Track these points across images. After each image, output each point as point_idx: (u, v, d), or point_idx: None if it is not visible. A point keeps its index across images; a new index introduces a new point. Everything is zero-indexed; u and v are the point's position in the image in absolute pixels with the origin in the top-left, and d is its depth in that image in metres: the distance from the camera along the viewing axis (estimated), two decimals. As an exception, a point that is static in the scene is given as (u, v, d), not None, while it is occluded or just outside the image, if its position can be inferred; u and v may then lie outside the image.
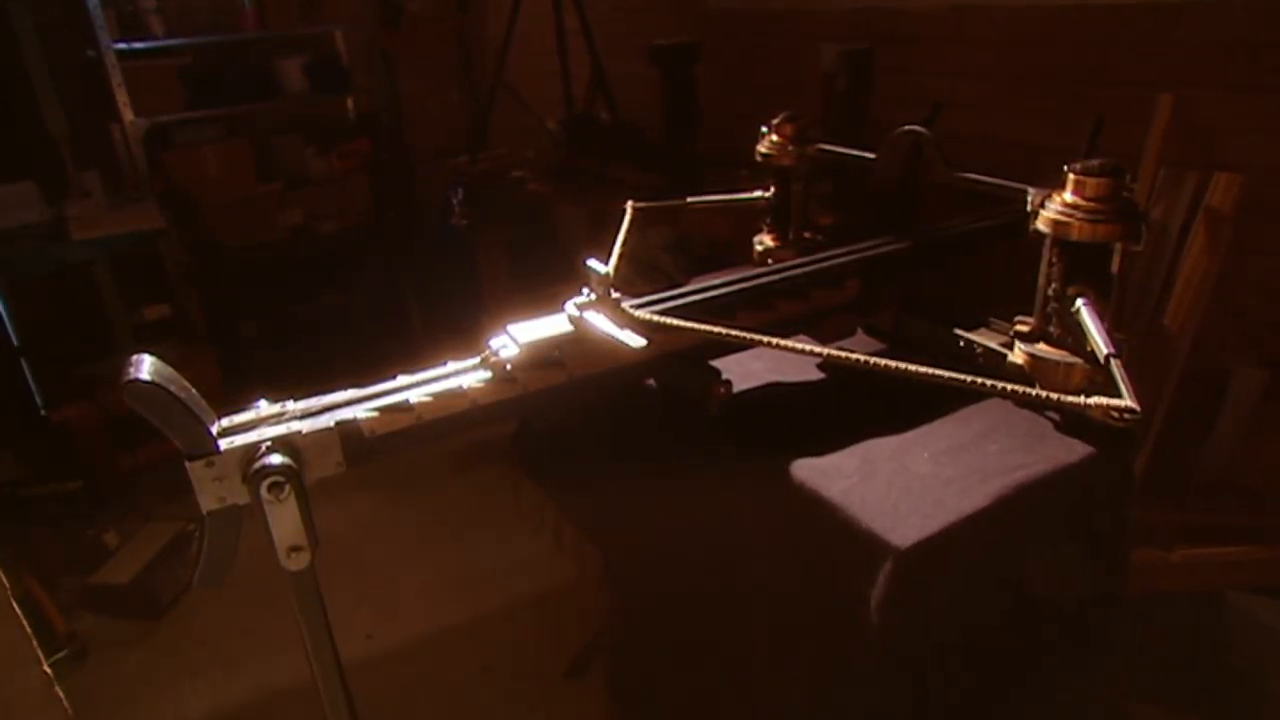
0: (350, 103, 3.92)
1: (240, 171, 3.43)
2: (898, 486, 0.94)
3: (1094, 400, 0.78)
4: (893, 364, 0.90)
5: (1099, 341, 0.89)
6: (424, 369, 1.05)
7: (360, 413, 0.96)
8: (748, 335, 0.98)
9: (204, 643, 2.27)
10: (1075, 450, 0.99)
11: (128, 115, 2.90)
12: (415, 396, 0.98)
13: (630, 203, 1.49)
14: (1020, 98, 2.10)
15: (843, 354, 0.93)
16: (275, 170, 3.67)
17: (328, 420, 0.94)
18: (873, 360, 0.90)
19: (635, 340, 0.97)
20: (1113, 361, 0.85)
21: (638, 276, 2.84)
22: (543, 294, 1.09)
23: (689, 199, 1.63)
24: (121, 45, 2.86)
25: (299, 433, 0.91)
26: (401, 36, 3.81)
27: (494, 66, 3.47)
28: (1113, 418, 0.83)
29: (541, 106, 3.57)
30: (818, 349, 0.93)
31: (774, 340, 0.96)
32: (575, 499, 1.65)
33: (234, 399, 0.96)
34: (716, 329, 0.99)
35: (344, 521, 2.77)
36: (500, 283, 3.74)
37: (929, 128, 1.31)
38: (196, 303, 3.32)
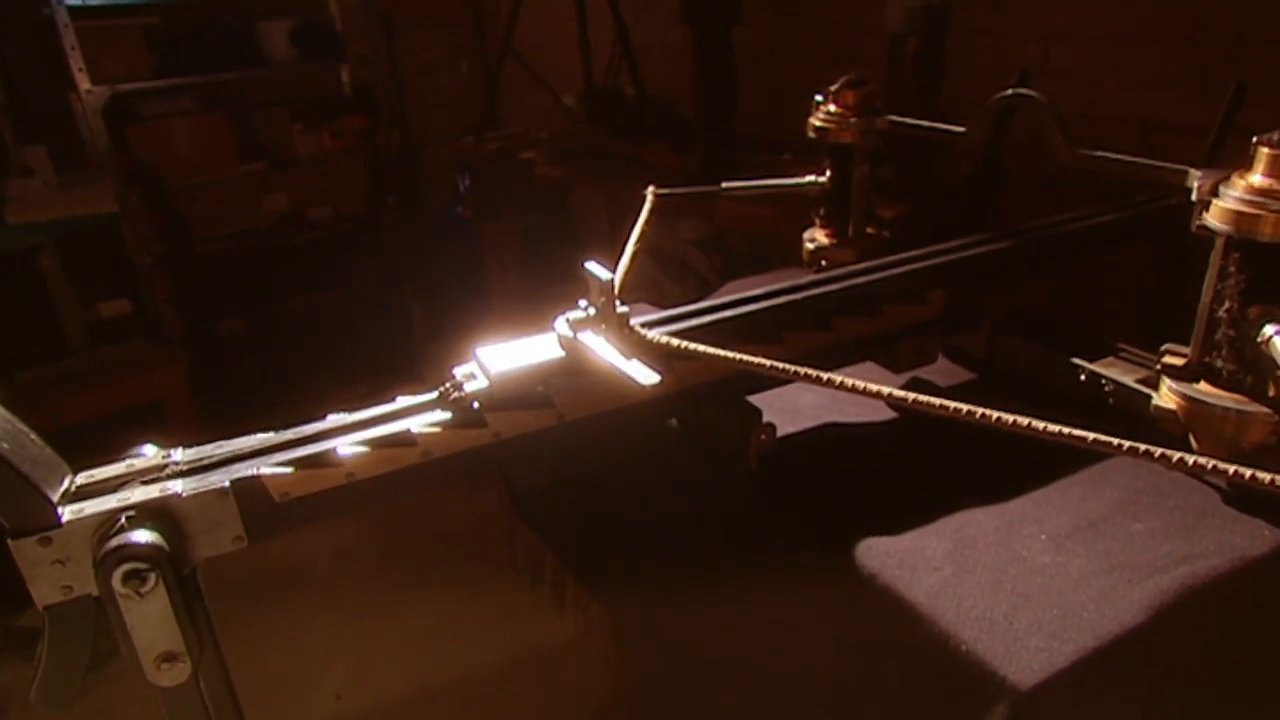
0: (344, 74, 3.77)
1: (216, 149, 3.31)
2: (1009, 587, 0.73)
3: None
4: (1004, 417, 0.69)
5: (1312, 390, 0.67)
6: (360, 407, 0.85)
7: (269, 467, 0.77)
8: (797, 370, 0.77)
9: (146, 701, 2.10)
10: (1260, 536, 0.77)
11: (83, 83, 2.76)
12: (347, 446, 0.80)
13: (651, 188, 1.33)
14: (1133, 62, 1.89)
15: (926, 399, 0.71)
16: (257, 149, 3.54)
17: (220, 478, 0.75)
18: (973, 410, 0.69)
19: (646, 376, 0.77)
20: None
21: (665, 276, 2.71)
22: (558, 293, 0.91)
23: (724, 184, 1.47)
24: (76, 1, 2.72)
25: (177, 495, 0.72)
26: (404, -1, 3.66)
27: (503, 33, 3.31)
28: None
29: (558, 79, 3.43)
30: (895, 393, 0.72)
31: (830, 376, 0.75)
32: (579, 556, 1.48)
33: (207, 411, 0.79)
34: (755, 359, 0.78)
35: (325, 550, 2.62)
36: (511, 280, 3.61)
37: (1011, 106, 1.11)
38: (166, 299, 3.19)
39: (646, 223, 1.25)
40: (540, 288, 3.44)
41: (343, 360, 3.47)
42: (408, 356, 3.61)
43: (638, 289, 2.77)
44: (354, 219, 3.77)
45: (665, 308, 1.00)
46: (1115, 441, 0.65)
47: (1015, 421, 0.69)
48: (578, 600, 1.68)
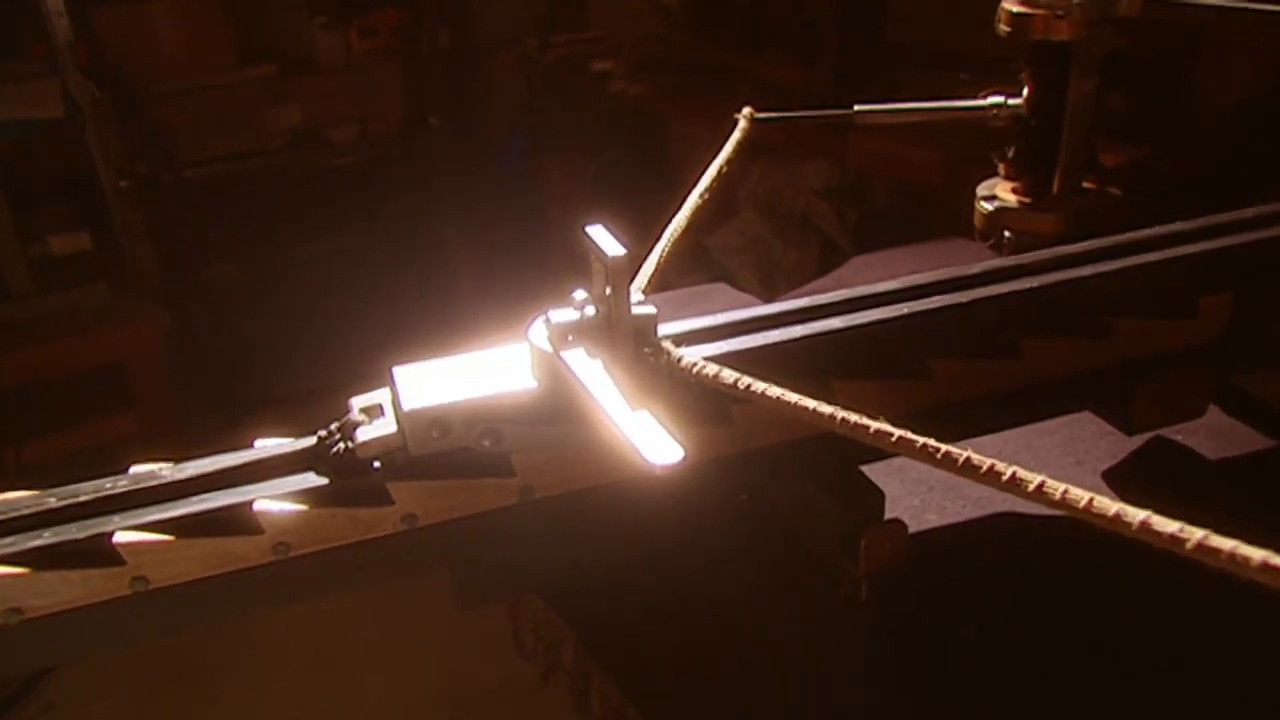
0: (381, -48, 3.81)
1: (210, 45, 3.29)
2: None
3: None
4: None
5: None
6: (192, 457, 0.63)
7: (-11, 566, 0.55)
8: (940, 449, 0.49)
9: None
10: None
11: (38, -47, 2.77)
12: (135, 531, 0.58)
13: (746, 110, 1.18)
14: None
15: (1173, 532, 0.43)
16: (264, 48, 3.53)
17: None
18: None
19: (661, 451, 0.51)
20: None
21: (777, 238, 2.51)
22: (641, 255, 0.77)
23: (857, 108, 1.25)
24: None
25: None
26: None
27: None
28: None
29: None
30: (1122, 511, 0.43)
31: (997, 467, 0.47)
32: (611, 640, 1.34)
33: (187, 380, 0.61)
34: (865, 421, 0.52)
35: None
36: (576, 228, 3.52)
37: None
38: (139, 234, 3.18)
39: (730, 160, 1.10)
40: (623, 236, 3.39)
41: (364, 322, 3.40)
42: (450, 321, 3.57)
43: (740, 252, 2.59)
44: (386, 142, 3.78)
45: (769, 284, 0.78)
46: None
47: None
48: (608, 700, 1.55)
